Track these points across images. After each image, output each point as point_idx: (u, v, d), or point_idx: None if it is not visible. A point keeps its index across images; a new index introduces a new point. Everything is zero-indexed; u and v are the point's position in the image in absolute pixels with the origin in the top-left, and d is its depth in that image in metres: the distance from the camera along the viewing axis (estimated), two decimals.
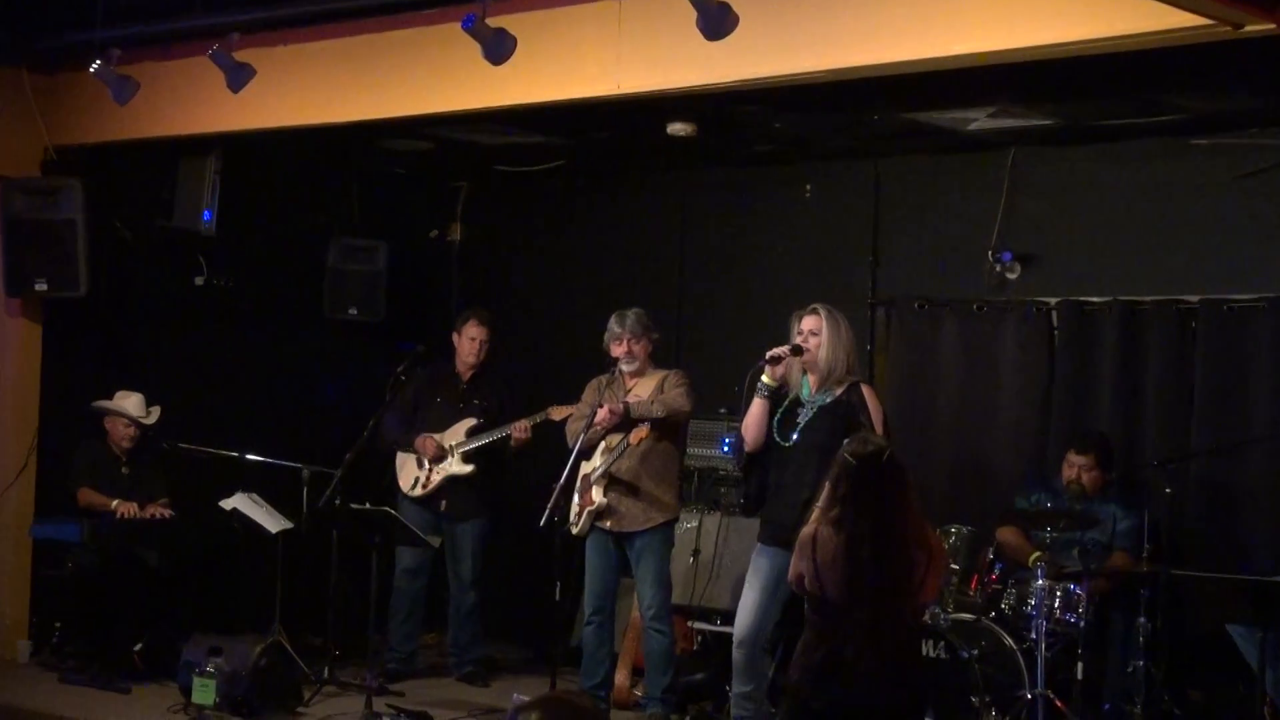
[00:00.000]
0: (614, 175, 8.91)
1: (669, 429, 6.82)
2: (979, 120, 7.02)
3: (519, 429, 7.32)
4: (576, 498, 6.82)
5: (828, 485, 4.74)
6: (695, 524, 7.56)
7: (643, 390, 6.84)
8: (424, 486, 7.64)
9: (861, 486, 4.64)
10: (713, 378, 7.68)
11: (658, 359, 7.07)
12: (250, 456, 7.83)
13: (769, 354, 6.02)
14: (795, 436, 6.01)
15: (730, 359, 8.25)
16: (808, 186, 8.23)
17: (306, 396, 8.86)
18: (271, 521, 7.45)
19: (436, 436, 7.64)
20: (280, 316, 8.85)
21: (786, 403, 6.10)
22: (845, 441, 4.83)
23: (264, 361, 8.77)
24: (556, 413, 7.23)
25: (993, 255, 7.50)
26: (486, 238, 9.45)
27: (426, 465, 7.64)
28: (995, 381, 7.54)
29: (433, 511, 7.66)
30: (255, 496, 7.53)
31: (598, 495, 6.74)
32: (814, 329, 6.04)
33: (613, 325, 6.84)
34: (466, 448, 7.58)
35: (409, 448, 7.69)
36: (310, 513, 7.37)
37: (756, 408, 6.06)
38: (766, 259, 8.36)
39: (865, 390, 6.09)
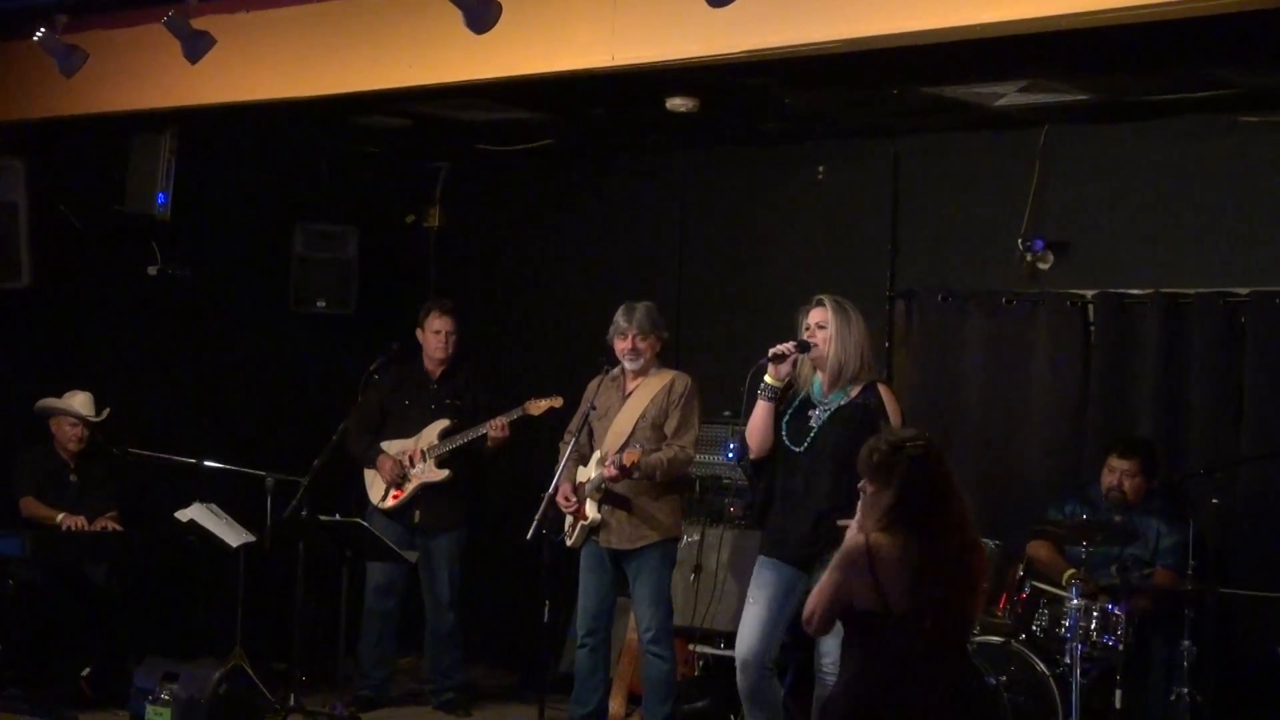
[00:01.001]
0: (608, 155, 8.90)
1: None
2: (1008, 95, 7.02)
3: (495, 427, 7.31)
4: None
5: (871, 487, 4.62)
6: (696, 538, 7.56)
7: (644, 394, 6.82)
8: (395, 497, 7.62)
9: (921, 480, 4.56)
10: (715, 377, 7.68)
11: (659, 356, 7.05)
12: (209, 463, 7.84)
13: (772, 351, 6.00)
14: (808, 442, 6.01)
15: (734, 356, 8.24)
16: (820, 168, 8.24)
17: (270, 397, 8.89)
18: (232, 534, 7.44)
19: (406, 443, 7.62)
20: (242, 309, 8.86)
21: (797, 403, 6.09)
22: (874, 439, 4.73)
23: (224, 359, 8.80)
24: (534, 407, 7.23)
25: (1023, 243, 7.51)
26: (468, 223, 9.46)
27: (399, 471, 7.62)
28: (1025, 381, 7.54)
29: (404, 524, 7.63)
30: (214, 507, 7.52)
31: (591, 509, 6.75)
32: (821, 322, 6.02)
33: (619, 319, 6.84)
34: (440, 451, 7.56)
35: (372, 465, 7.67)
36: (274, 525, 7.39)
37: (760, 410, 6.04)
38: (774, 247, 8.38)
39: (884, 391, 6.07)
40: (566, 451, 6.74)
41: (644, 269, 8.65)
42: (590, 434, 6.91)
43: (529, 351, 8.86)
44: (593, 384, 6.96)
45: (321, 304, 8.89)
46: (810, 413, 6.04)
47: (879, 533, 4.57)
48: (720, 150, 8.54)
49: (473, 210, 9.43)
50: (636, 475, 6.64)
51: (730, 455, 7.68)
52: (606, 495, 6.74)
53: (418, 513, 7.63)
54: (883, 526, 4.57)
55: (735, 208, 8.56)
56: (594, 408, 6.82)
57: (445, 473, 7.56)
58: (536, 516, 6.46)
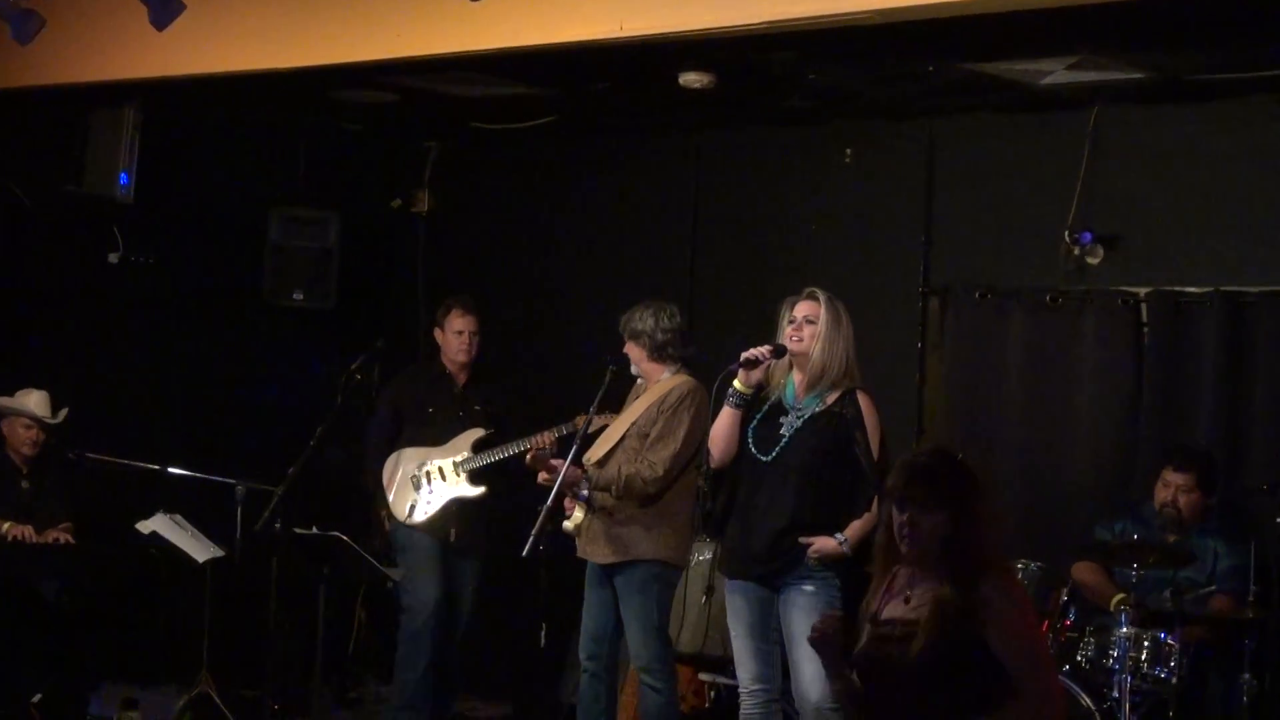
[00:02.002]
0: (615, 135, 8.90)
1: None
2: (1055, 73, 7.00)
3: (541, 442, 6.91)
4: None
5: (934, 516, 4.30)
6: (708, 556, 7.48)
7: (644, 401, 6.76)
8: (427, 512, 7.53)
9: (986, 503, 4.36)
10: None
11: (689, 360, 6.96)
12: (173, 470, 7.84)
13: (745, 355, 5.96)
14: (776, 451, 5.99)
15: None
16: (847, 151, 8.24)
17: (242, 398, 8.90)
18: (198, 548, 7.44)
19: (432, 452, 7.56)
20: (211, 302, 8.86)
21: (766, 408, 6.06)
22: (915, 456, 4.56)
23: (191, 356, 8.80)
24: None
25: (1070, 236, 7.50)
26: (460, 209, 9.47)
27: (427, 484, 7.54)
28: (1071, 388, 7.54)
29: (440, 542, 7.55)
30: (179, 518, 7.52)
31: (578, 510, 6.71)
32: (810, 315, 5.98)
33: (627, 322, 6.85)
34: (474, 464, 7.45)
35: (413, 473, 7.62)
36: (245, 538, 7.38)
37: (725, 417, 6.01)
38: (796, 238, 8.37)
39: (863, 400, 6.00)
40: (570, 454, 6.66)
41: (653, 260, 8.66)
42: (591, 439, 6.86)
43: (527, 349, 8.87)
44: (605, 386, 6.86)
45: (298, 296, 8.88)
46: (781, 419, 6.00)
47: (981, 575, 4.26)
48: (738, 131, 8.53)
49: (465, 194, 9.43)
50: (587, 489, 6.60)
51: None
52: (589, 506, 6.70)
53: (452, 530, 7.54)
54: (973, 566, 4.26)
55: (753, 194, 8.56)
56: (594, 410, 6.77)
57: (480, 489, 7.45)
58: (534, 531, 6.39)
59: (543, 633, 7.07)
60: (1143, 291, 7.41)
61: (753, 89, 7.67)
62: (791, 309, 6.04)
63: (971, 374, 7.82)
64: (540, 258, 9.15)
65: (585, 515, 6.69)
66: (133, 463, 7.81)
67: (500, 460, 7.33)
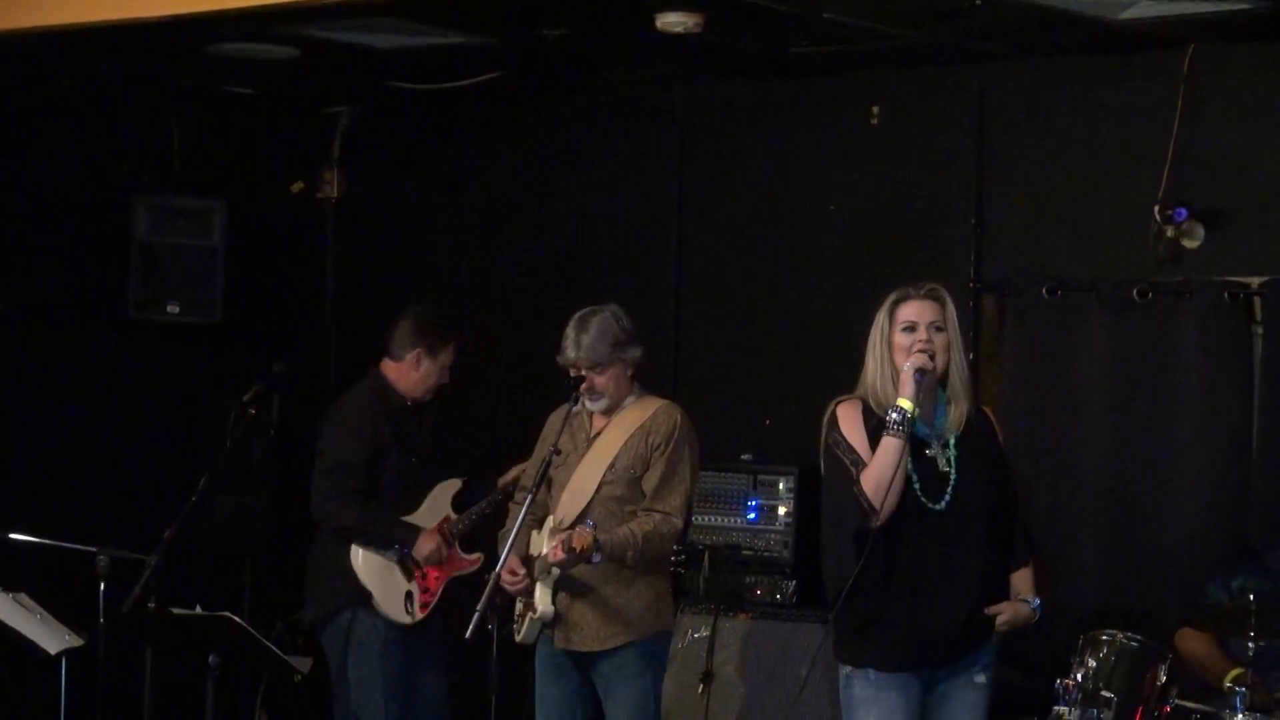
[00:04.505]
0: (578, 95, 8.92)
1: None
2: (1138, 3, 7.00)
3: (511, 479, 7.36)
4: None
5: None
6: (705, 633, 7.52)
7: (615, 436, 6.72)
8: (425, 605, 7.56)
9: None
10: (727, 402, 7.63)
11: (648, 370, 6.97)
12: (16, 535, 7.75)
13: (918, 365, 5.81)
14: (949, 495, 5.93)
15: (754, 374, 8.22)
16: (874, 109, 8.26)
17: (103, 442, 8.86)
18: (49, 636, 7.36)
19: (419, 517, 7.63)
20: (62, 317, 8.86)
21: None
22: None
23: (36, 387, 8.80)
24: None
25: (1161, 213, 7.48)
26: (379, 192, 9.52)
27: (417, 570, 7.58)
28: (1167, 405, 7.54)
29: (433, 638, 7.64)
30: (23, 597, 7.45)
31: (542, 597, 6.68)
32: (937, 320, 5.96)
33: (565, 341, 6.76)
34: (462, 527, 7.64)
35: (396, 548, 7.58)
36: (110, 621, 7.30)
37: (893, 451, 5.82)
38: (810, 220, 8.39)
39: (994, 418, 6.16)
40: (520, 514, 6.67)
41: (628, 249, 8.69)
42: (548, 488, 6.84)
43: (471, 364, 8.77)
44: (555, 417, 6.90)
45: (174, 308, 8.89)
46: (927, 452, 5.98)
47: None
48: (733, 85, 8.54)
49: (385, 174, 9.48)
50: (597, 560, 6.56)
51: (753, 516, 7.69)
52: (562, 580, 6.67)
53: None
54: None
55: (755, 166, 8.56)
56: (558, 452, 6.76)
57: (477, 556, 7.59)
58: (480, 605, 6.39)
59: None
60: (1256, 282, 7.41)
61: (750, 32, 7.66)
62: (903, 313, 5.94)
63: (1040, 389, 7.81)
64: (482, 252, 9.19)
65: (551, 601, 6.67)
66: None
67: (486, 513, 7.56)
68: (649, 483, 6.65)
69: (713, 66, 8.34)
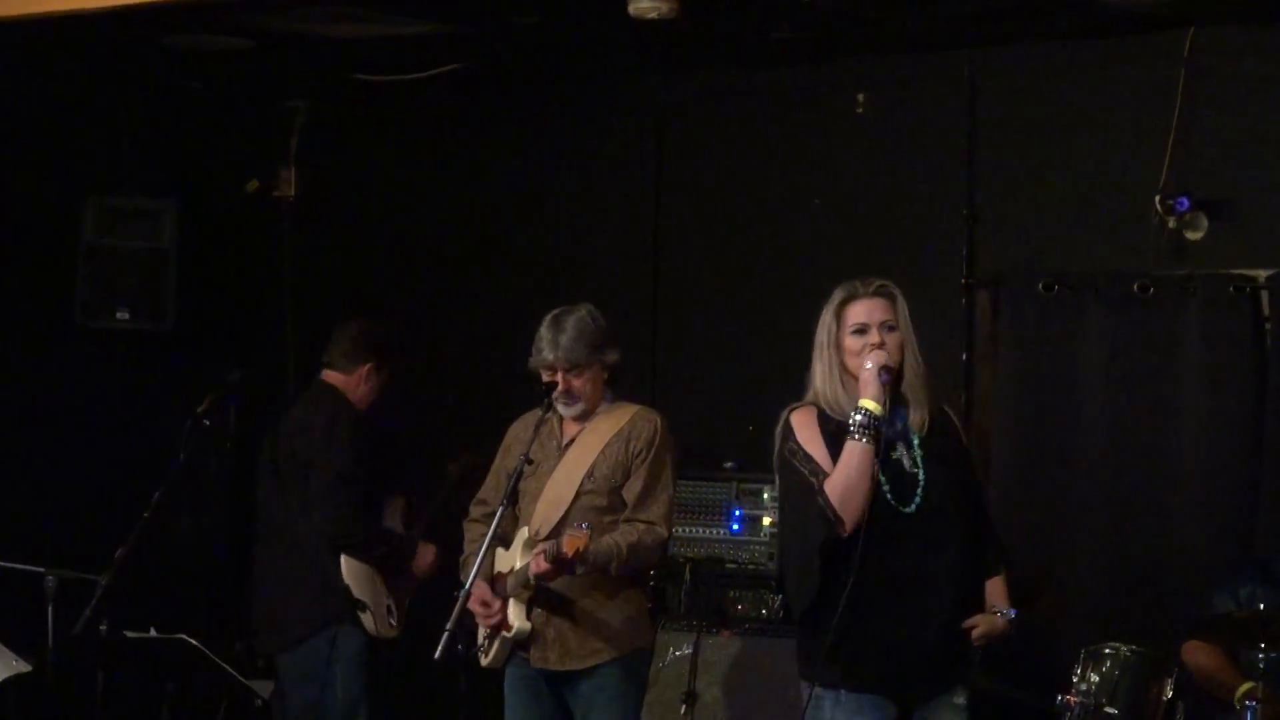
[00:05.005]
0: (545, 87, 8.93)
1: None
2: None
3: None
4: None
5: None
6: (687, 650, 7.53)
7: (591, 443, 6.73)
8: (399, 621, 7.77)
9: None
10: (707, 406, 7.62)
11: (622, 376, 6.96)
12: None
13: (883, 363, 5.80)
14: (919, 497, 5.87)
15: (734, 376, 8.22)
16: (860, 98, 8.28)
17: (50, 455, 8.83)
18: None
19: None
20: (5, 324, 8.81)
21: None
22: None
23: None
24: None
25: (1162, 203, 7.49)
26: (338, 191, 9.52)
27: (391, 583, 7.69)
28: (1171, 405, 7.55)
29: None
30: None
31: (516, 616, 6.67)
32: (889, 320, 5.93)
33: (541, 342, 6.74)
34: (417, 534, 7.82)
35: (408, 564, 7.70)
36: (60, 645, 7.25)
37: (861, 456, 5.78)
38: (792, 216, 8.41)
39: (955, 417, 6.13)
40: (490, 532, 6.65)
41: (602, 250, 8.70)
42: (513, 502, 6.83)
43: (432, 372, 8.87)
44: (519, 426, 6.91)
45: (124, 315, 8.87)
46: (892, 454, 5.92)
47: None
48: (711, 75, 8.56)
49: (344, 171, 9.49)
50: (581, 570, 6.56)
51: (736, 527, 7.69)
52: (538, 595, 6.66)
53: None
54: None
55: (735, 158, 8.58)
56: (530, 462, 6.74)
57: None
58: (448, 625, 6.34)
59: None
60: (1263, 275, 7.41)
61: (728, 17, 7.67)
62: (852, 314, 5.90)
63: (1036, 389, 7.82)
64: (448, 252, 9.20)
65: (526, 618, 6.66)
66: None
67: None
68: (630, 491, 6.65)
69: (689, 55, 8.34)
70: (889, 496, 5.82)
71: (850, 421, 5.77)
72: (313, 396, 7.83)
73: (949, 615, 5.82)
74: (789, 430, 5.92)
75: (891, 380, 5.85)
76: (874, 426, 5.78)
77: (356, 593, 7.57)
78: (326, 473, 7.58)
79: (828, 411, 5.90)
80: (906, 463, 5.88)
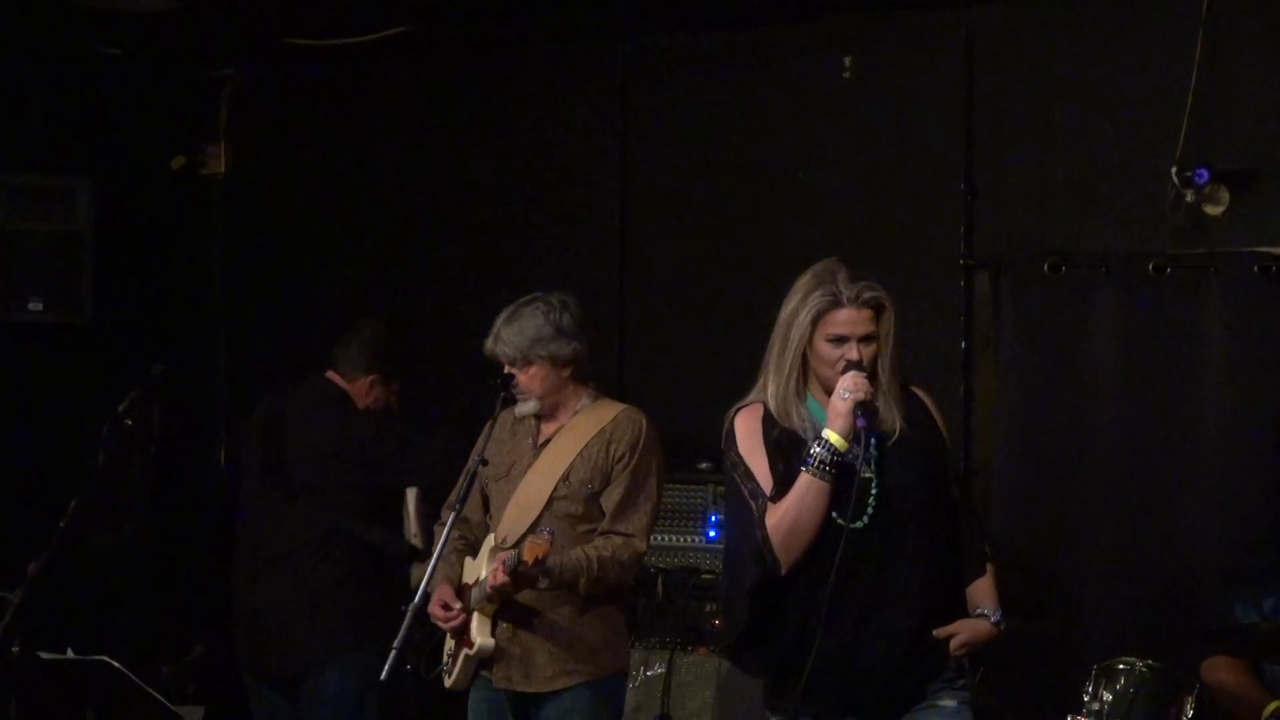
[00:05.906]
0: (500, 51, 8.95)
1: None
2: None
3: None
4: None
5: None
6: (660, 670, 7.60)
7: (569, 443, 6.73)
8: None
9: None
10: (681, 401, 7.68)
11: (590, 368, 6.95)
12: None
13: (861, 397, 5.61)
14: (871, 508, 5.71)
15: (711, 367, 8.23)
16: (846, 60, 8.28)
17: None
18: None
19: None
20: None
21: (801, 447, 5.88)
22: None
23: None
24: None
25: (1179, 175, 7.49)
26: (272, 166, 9.55)
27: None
28: (1190, 394, 7.56)
29: None
30: None
31: (480, 631, 6.65)
32: (870, 332, 5.73)
33: (492, 336, 6.74)
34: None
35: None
36: None
37: (816, 493, 5.63)
38: (774, 190, 8.42)
39: (926, 398, 5.92)
40: (444, 535, 6.62)
41: (564, 229, 8.72)
42: (485, 507, 6.84)
43: None
44: (492, 424, 6.89)
45: (35, 306, 8.86)
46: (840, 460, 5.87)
47: None
48: (682, 36, 8.57)
49: (279, 146, 9.55)
50: (544, 585, 6.54)
51: (713, 534, 7.73)
52: (503, 609, 6.63)
53: None
54: None
55: (709, 127, 8.59)
56: (484, 462, 6.72)
57: None
58: (395, 643, 6.34)
59: None
60: None
61: None
62: (832, 324, 5.71)
63: (1043, 378, 7.84)
64: (394, 232, 9.24)
65: (491, 634, 6.65)
66: None
67: None
68: (609, 500, 6.63)
69: (660, 15, 8.36)
70: (833, 514, 5.63)
71: (809, 452, 5.60)
72: (320, 401, 7.84)
73: (913, 636, 5.69)
74: (731, 438, 5.78)
75: (868, 424, 5.62)
76: (834, 464, 5.60)
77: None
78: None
79: (774, 415, 5.76)
80: (861, 468, 5.65)
